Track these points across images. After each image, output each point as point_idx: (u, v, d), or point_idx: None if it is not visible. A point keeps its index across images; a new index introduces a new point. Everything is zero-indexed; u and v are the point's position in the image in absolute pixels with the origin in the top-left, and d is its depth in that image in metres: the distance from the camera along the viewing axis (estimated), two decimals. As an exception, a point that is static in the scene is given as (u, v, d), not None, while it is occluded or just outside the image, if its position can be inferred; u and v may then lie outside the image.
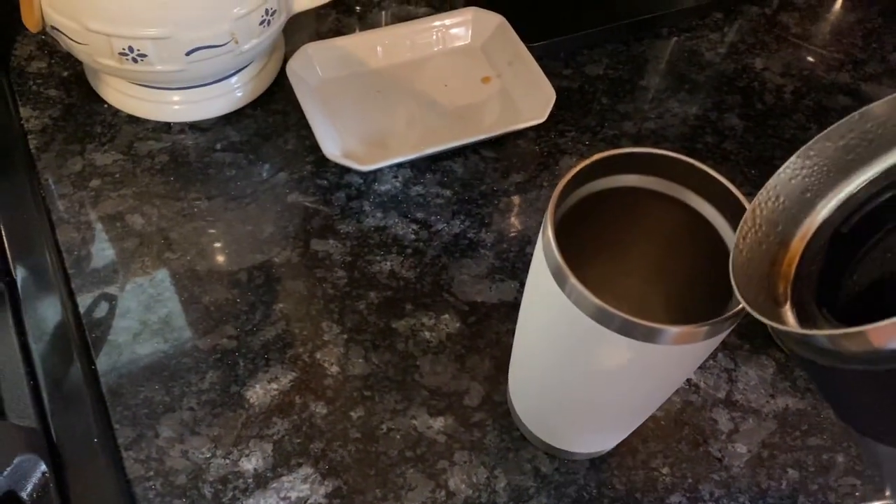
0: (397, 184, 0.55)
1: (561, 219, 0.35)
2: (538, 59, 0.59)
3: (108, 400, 0.44)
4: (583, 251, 0.36)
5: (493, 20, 0.61)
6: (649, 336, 0.31)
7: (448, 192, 0.55)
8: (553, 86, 0.58)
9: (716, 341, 0.33)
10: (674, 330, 0.31)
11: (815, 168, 0.30)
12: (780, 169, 0.30)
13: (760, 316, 0.29)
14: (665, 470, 0.45)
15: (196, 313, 0.48)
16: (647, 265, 0.38)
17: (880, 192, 0.29)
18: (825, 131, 0.29)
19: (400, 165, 0.56)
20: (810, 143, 0.30)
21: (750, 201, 0.32)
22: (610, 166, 0.34)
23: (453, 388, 0.46)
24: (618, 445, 0.45)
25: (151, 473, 0.42)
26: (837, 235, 0.31)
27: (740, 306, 0.30)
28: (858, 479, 0.45)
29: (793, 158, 0.30)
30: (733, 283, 0.30)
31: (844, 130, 0.29)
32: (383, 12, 0.67)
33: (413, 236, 0.53)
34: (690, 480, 0.44)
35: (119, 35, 0.47)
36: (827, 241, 0.30)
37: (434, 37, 0.61)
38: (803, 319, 0.29)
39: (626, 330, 0.31)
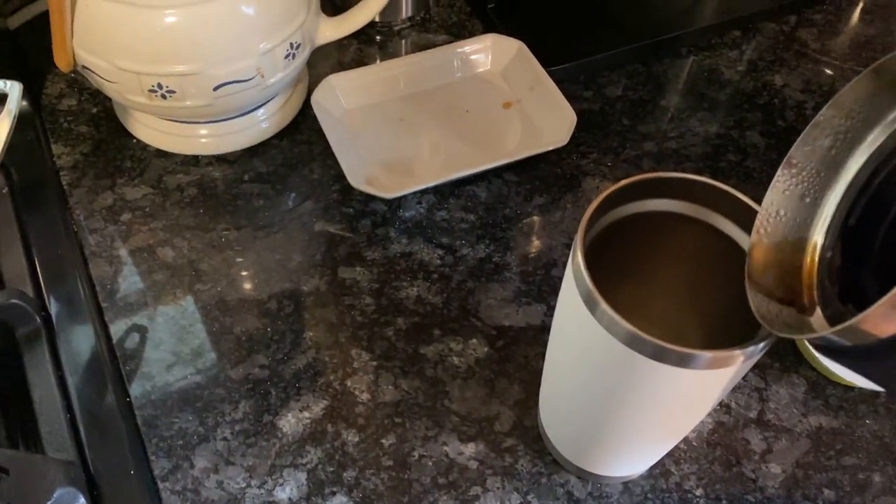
0: (422, 210, 0.56)
1: (590, 244, 0.36)
2: (558, 82, 0.60)
3: (143, 431, 0.45)
4: (613, 276, 0.36)
5: (513, 46, 0.62)
6: (683, 361, 0.31)
7: (472, 217, 0.56)
8: (574, 108, 0.58)
9: (749, 364, 0.33)
10: (708, 355, 0.31)
11: (805, 173, 0.31)
12: (771, 185, 0.31)
13: (779, 332, 0.29)
14: (699, 492, 0.44)
15: (227, 343, 0.48)
16: (678, 289, 0.38)
17: (873, 176, 0.30)
18: (801, 137, 0.30)
19: (424, 191, 0.56)
20: (790, 152, 0.31)
21: None
22: (637, 191, 0.35)
23: (483, 413, 0.47)
24: (651, 468, 0.45)
25: (188, 504, 0.42)
26: (848, 229, 0.31)
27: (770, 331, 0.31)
28: (896, 499, 0.45)
29: (780, 171, 0.31)
30: (752, 306, 0.30)
31: (818, 131, 0.30)
32: (403, 41, 0.68)
33: (439, 261, 0.53)
34: (725, 502, 0.44)
35: (148, 73, 0.48)
36: (839, 238, 0.31)
37: (454, 64, 0.62)
38: (834, 322, 0.29)
39: (660, 355, 0.31)
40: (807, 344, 0.49)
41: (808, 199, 0.32)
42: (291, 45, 0.52)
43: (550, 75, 0.60)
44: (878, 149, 0.30)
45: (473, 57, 0.62)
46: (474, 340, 0.49)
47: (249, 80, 0.51)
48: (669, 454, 0.45)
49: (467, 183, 0.57)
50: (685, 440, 0.46)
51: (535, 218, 0.56)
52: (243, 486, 0.43)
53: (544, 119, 0.59)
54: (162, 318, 0.49)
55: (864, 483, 0.45)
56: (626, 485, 0.44)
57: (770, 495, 0.45)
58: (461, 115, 0.60)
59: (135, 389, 0.46)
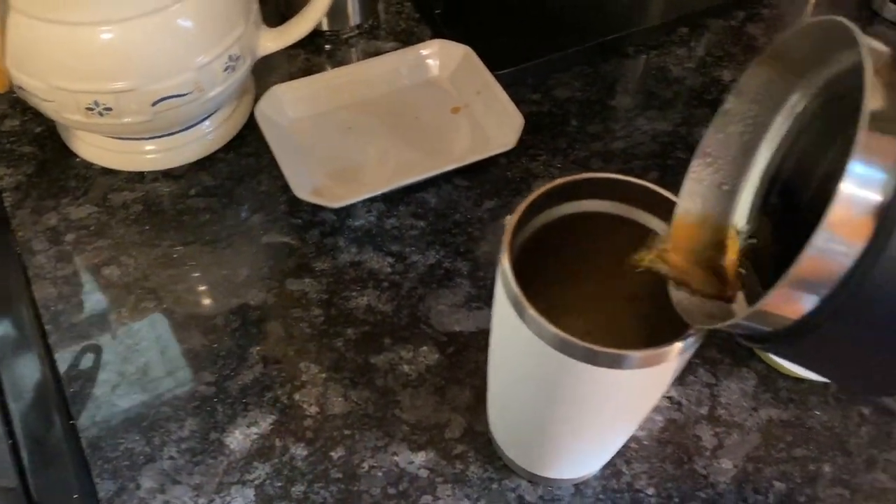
0: (371, 218, 0.55)
1: (522, 247, 0.36)
2: (507, 86, 0.60)
3: (88, 454, 0.44)
4: (545, 279, 0.36)
5: (459, 51, 0.62)
6: (614, 362, 0.31)
7: (422, 223, 0.55)
8: (523, 111, 0.58)
9: (684, 359, 0.33)
10: (638, 355, 0.31)
11: (720, 161, 0.31)
12: (686, 176, 0.31)
13: (700, 324, 0.29)
14: (650, 491, 0.44)
15: (174, 361, 0.48)
16: (613, 288, 0.38)
17: (784, 161, 0.30)
18: (711, 126, 0.30)
19: (373, 199, 0.56)
20: (702, 141, 0.31)
21: None
22: (565, 194, 0.35)
23: (434, 420, 0.46)
24: (602, 468, 0.45)
25: (133, 526, 0.42)
26: (766, 215, 0.32)
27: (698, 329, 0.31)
28: (846, 489, 0.45)
29: (694, 162, 0.31)
30: (673, 300, 0.30)
31: (727, 119, 0.30)
32: (352, 49, 0.68)
33: (389, 269, 0.53)
34: (677, 500, 0.44)
35: (83, 91, 0.48)
36: (757, 224, 0.31)
37: (402, 71, 0.62)
38: None
39: (590, 358, 0.31)
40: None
41: (725, 188, 0.32)
42: (230, 57, 0.51)
43: (499, 79, 0.60)
44: (787, 133, 0.30)
45: (420, 63, 0.62)
46: (425, 348, 0.49)
47: (188, 94, 0.50)
48: (620, 454, 0.45)
49: (417, 190, 0.57)
50: (636, 439, 0.46)
51: (486, 222, 0.56)
52: (190, 505, 0.43)
53: (492, 123, 0.59)
54: (107, 339, 0.49)
55: (814, 474, 0.45)
56: (578, 486, 0.44)
57: (721, 491, 0.45)
58: (409, 121, 0.60)
59: (79, 412, 0.46)
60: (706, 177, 0.33)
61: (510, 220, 0.33)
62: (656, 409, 0.47)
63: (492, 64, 0.62)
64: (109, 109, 0.49)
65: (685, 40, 0.69)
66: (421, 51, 0.62)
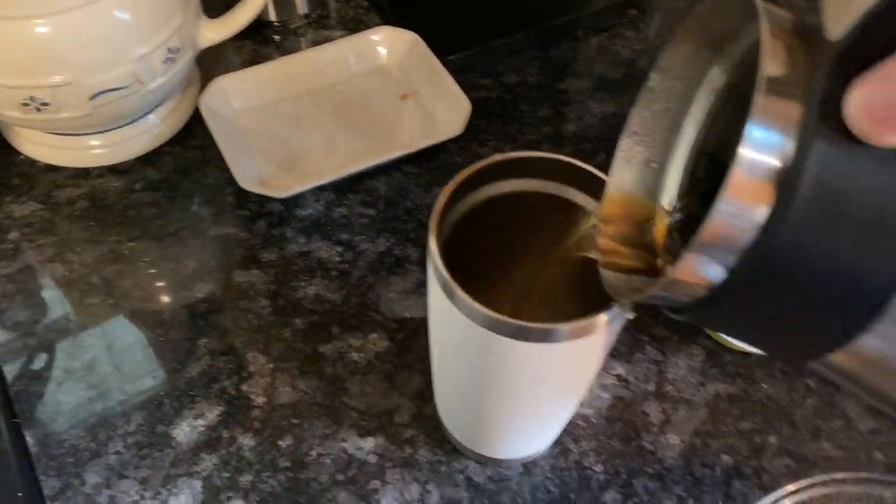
0: (319, 207, 0.55)
1: (454, 228, 0.36)
2: (457, 72, 0.60)
3: (32, 452, 0.44)
4: (480, 259, 0.36)
5: (407, 38, 0.62)
6: (544, 337, 0.31)
7: (372, 212, 0.55)
8: (472, 97, 0.58)
9: (613, 331, 0.33)
10: (566, 328, 0.31)
11: (647, 139, 0.31)
12: (615, 156, 0.31)
13: (624, 298, 0.30)
14: (598, 468, 0.45)
15: (120, 356, 0.48)
16: (547, 267, 0.38)
17: (708, 136, 0.30)
18: (636, 104, 0.30)
19: (322, 189, 0.56)
20: (629, 119, 0.31)
21: None
22: (494, 173, 0.35)
23: (383, 406, 0.46)
24: (550, 447, 0.45)
25: (79, 522, 0.42)
26: (692, 189, 0.32)
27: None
28: (792, 459, 0.45)
29: (621, 141, 0.31)
30: (602, 276, 0.30)
31: (651, 96, 0.30)
32: (301, 39, 0.67)
33: (338, 258, 0.53)
34: (624, 476, 0.44)
35: (18, 86, 0.47)
36: (685, 198, 0.31)
37: (349, 59, 0.62)
38: None
39: (521, 334, 0.31)
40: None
41: (654, 165, 0.32)
42: (169, 49, 0.51)
43: (448, 65, 0.60)
44: (710, 107, 0.31)
45: (369, 51, 0.62)
46: (374, 335, 0.49)
47: (127, 87, 0.50)
48: (568, 432, 0.46)
49: (366, 178, 0.57)
50: (583, 417, 0.46)
51: (436, 208, 0.56)
52: (136, 498, 0.42)
53: (441, 109, 0.59)
54: (52, 336, 0.48)
55: (760, 446, 0.46)
56: (526, 466, 0.45)
57: (669, 466, 0.45)
58: (358, 109, 0.60)
59: (24, 410, 0.45)
60: (634, 155, 0.33)
61: (436, 204, 0.33)
62: (603, 387, 0.47)
63: (441, 50, 0.61)
64: (47, 105, 0.48)
65: (634, 22, 0.69)
66: (369, 38, 0.62)
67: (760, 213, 0.22)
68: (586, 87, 0.64)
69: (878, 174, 0.21)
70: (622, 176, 0.33)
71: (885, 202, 0.21)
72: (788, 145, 0.21)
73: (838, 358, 0.24)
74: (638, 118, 0.31)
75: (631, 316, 0.32)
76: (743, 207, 0.22)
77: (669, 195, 0.33)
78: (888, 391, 0.25)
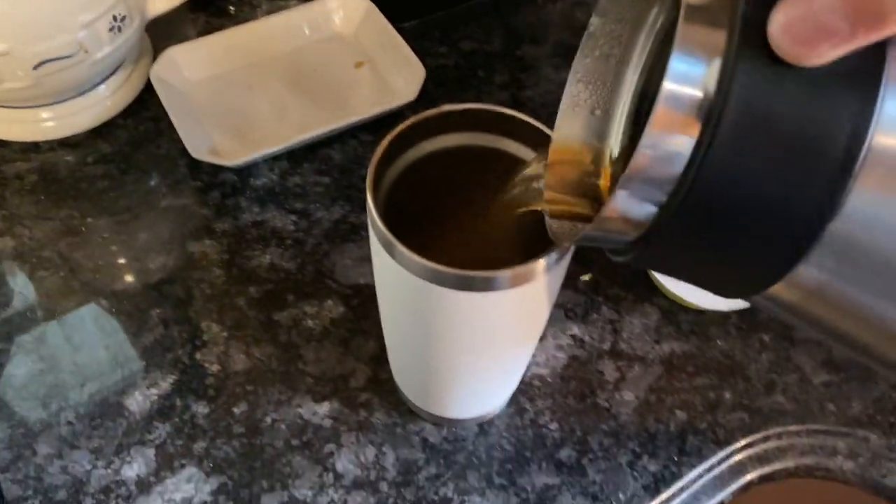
0: (273, 177, 0.55)
1: (395, 184, 0.35)
2: (413, 39, 0.59)
3: (-18, 425, 0.43)
4: (422, 214, 0.36)
5: (362, 5, 0.61)
6: (486, 285, 0.31)
7: (327, 180, 0.55)
8: (429, 64, 0.58)
9: (555, 277, 0.33)
10: (506, 274, 0.31)
11: (591, 86, 0.31)
12: (561, 104, 0.31)
13: (566, 243, 0.29)
14: (553, 426, 0.45)
15: (71, 328, 0.47)
16: (490, 220, 0.38)
17: (648, 81, 0.30)
18: (579, 51, 0.30)
19: (276, 158, 0.55)
20: (573, 67, 0.30)
21: None
22: (432, 128, 0.35)
23: (338, 372, 0.46)
24: (505, 407, 0.45)
25: (30, 493, 0.41)
26: (638, 132, 0.32)
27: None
28: (746, 413, 0.46)
29: (566, 89, 0.31)
30: (547, 225, 0.30)
31: (593, 42, 0.30)
32: (257, 10, 0.66)
33: (292, 227, 0.52)
34: (579, 433, 0.45)
35: (-43, 56, 0.47)
36: (630, 141, 0.31)
37: (304, 27, 0.61)
38: None
39: (463, 284, 0.31)
40: (655, 274, 0.49)
41: (598, 112, 0.32)
42: (115, 17, 0.50)
43: (404, 33, 0.60)
44: (650, 50, 0.30)
45: (323, 18, 0.62)
46: (329, 302, 0.49)
47: (72, 56, 0.49)
48: (523, 392, 0.46)
49: (321, 146, 0.57)
50: (539, 377, 0.46)
51: (392, 175, 0.55)
52: (89, 468, 0.42)
53: (396, 77, 0.59)
54: (2, 310, 0.48)
55: (715, 401, 0.46)
56: (482, 426, 0.45)
57: (623, 422, 0.45)
58: (312, 77, 0.59)
59: (-26, 384, 0.45)
60: (579, 102, 0.32)
61: (373, 158, 0.33)
62: (559, 347, 0.48)
63: (396, 17, 0.61)
64: (-12, 75, 0.48)
65: (592, -12, 0.69)
66: (323, 5, 0.61)
67: (686, 146, 0.22)
68: (545, 54, 0.64)
69: (805, 97, 0.21)
70: (569, 124, 0.33)
71: (815, 126, 0.20)
72: (713, 74, 0.21)
73: (781, 291, 0.23)
74: (580, 66, 0.31)
75: (569, 256, 0.32)
76: (667, 142, 0.22)
77: (615, 141, 0.33)
78: (834, 322, 0.25)
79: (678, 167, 0.22)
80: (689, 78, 0.21)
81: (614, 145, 0.33)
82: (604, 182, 0.32)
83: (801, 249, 0.22)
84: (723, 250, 0.23)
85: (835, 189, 0.21)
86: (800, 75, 0.21)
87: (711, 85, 0.21)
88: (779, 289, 0.23)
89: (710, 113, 0.21)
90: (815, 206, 0.21)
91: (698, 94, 0.21)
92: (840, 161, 0.21)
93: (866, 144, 0.20)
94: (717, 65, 0.21)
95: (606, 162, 0.33)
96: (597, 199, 0.33)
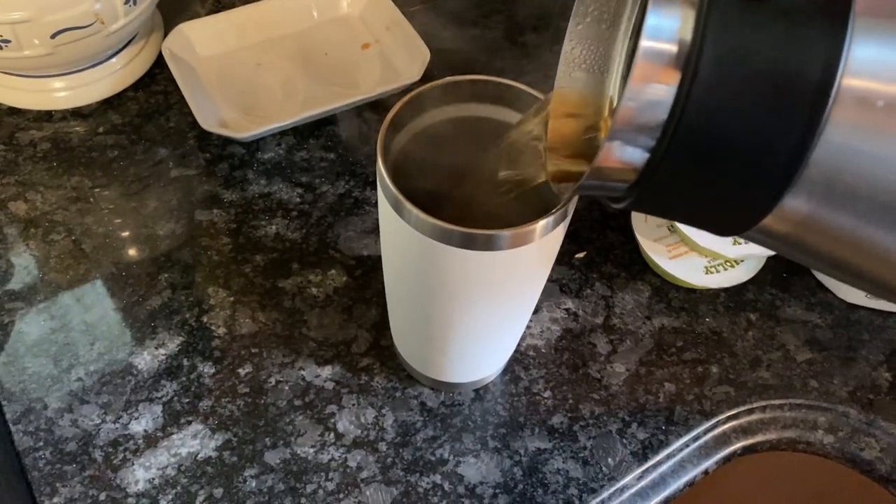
0: (281, 151, 0.56)
1: (401, 154, 0.37)
2: (419, 22, 0.61)
3: (-5, 379, 0.45)
4: (427, 183, 0.37)
5: (369, -12, 0.63)
6: (488, 244, 0.33)
7: (332, 156, 0.57)
8: (434, 47, 0.59)
9: (554, 239, 0.35)
10: (507, 233, 0.32)
11: (584, 51, 0.32)
12: (558, 70, 0.32)
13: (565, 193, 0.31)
14: (547, 394, 0.47)
15: (81, 290, 0.49)
16: (491, 187, 0.40)
17: (639, 35, 0.32)
18: (571, 16, 0.31)
19: (283, 133, 0.57)
20: (568, 29, 0.32)
21: None
22: (437, 98, 0.36)
23: (341, 337, 0.48)
24: (500, 375, 0.47)
25: (41, 444, 0.43)
26: None
27: (562, 203, 0.33)
28: (732, 387, 0.48)
29: (563, 51, 0.32)
30: (551, 183, 0.32)
31: (584, 8, 0.31)
32: (266, -9, 0.68)
33: (298, 199, 0.54)
34: (571, 401, 0.46)
35: (-22, 22, 0.48)
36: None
37: (312, 8, 0.63)
38: None
39: (467, 242, 0.33)
40: (647, 252, 0.51)
41: (595, 70, 0.34)
42: (131, -10, 0.51)
43: (410, 16, 0.61)
44: (640, 8, 0.31)
45: (330, 0, 0.63)
46: (333, 271, 0.51)
47: (88, 26, 0.50)
48: (518, 361, 0.47)
49: (327, 123, 0.58)
50: (533, 347, 0.48)
51: (395, 153, 0.57)
52: (98, 422, 0.43)
53: (402, 58, 0.60)
54: (15, 270, 0.49)
55: (702, 375, 0.48)
56: (478, 391, 0.46)
57: (614, 392, 0.47)
58: (319, 57, 0.61)
59: (-13, 340, 0.46)
60: (577, 63, 0.34)
61: (383, 124, 0.34)
62: (553, 320, 0.49)
63: (403, 0, 0.63)
64: (8, 42, 0.49)
65: (593, -21, 0.71)
66: (331, -11, 0.63)
67: (668, 94, 0.23)
68: (546, 41, 0.66)
69: (777, 31, 0.22)
70: (568, 81, 0.34)
71: (788, 58, 0.22)
72: (687, 24, 0.23)
73: (773, 223, 0.25)
74: (574, 32, 0.33)
75: (566, 221, 0.33)
76: (649, 93, 0.23)
77: (614, 95, 0.34)
78: (828, 250, 0.26)
79: (662, 114, 0.23)
80: (665, 30, 0.23)
81: (614, 98, 0.34)
82: (603, 134, 0.34)
83: (786, 180, 0.23)
84: (712, 187, 0.25)
85: (813, 119, 0.22)
86: (770, 10, 0.22)
87: (687, 33, 0.23)
88: (771, 221, 0.24)
89: (688, 60, 0.23)
90: (795, 137, 0.22)
91: (674, 45, 0.23)
92: (815, 91, 0.22)
93: (839, 72, 0.22)
94: (691, 14, 0.22)
95: (606, 114, 0.34)
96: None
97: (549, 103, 0.34)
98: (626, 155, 0.24)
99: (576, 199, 0.34)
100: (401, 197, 0.33)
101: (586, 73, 0.34)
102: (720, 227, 0.27)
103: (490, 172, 0.37)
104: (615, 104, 0.33)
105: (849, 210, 0.24)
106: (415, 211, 0.33)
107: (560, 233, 0.35)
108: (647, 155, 0.24)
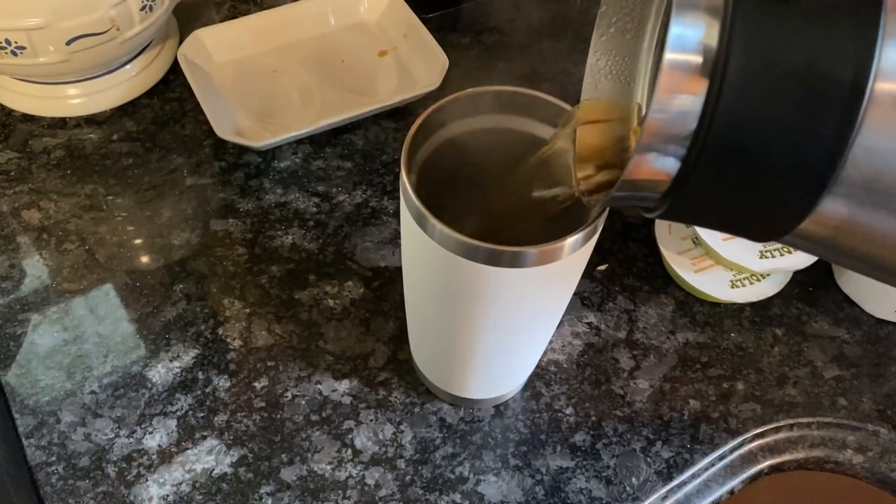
0: (297, 160, 0.55)
1: (424, 166, 0.36)
2: (436, 30, 0.60)
3: (7, 391, 0.44)
4: (451, 195, 0.36)
5: (386, -5, 0.62)
6: (514, 261, 0.32)
7: (349, 164, 0.56)
8: (451, 55, 0.59)
9: (580, 257, 0.34)
10: (534, 251, 0.31)
11: (610, 61, 0.31)
12: (584, 82, 0.31)
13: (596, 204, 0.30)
14: (569, 410, 0.45)
15: (95, 300, 0.48)
16: (516, 200, 0.39)
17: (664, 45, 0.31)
18: (595, 30, 0.31)
19: (300, 142, 0.56)
20: (591, 48, 0.31)
21: None
22: (461, 110, 0.35)
23: (358, 351, 0.47)
24: (521, 391, 0.46)
25: (53, 458, 0.42)
26: None
27: (591, 220, 0.32)
28: (758, 404, 0.47)
29: (589, 63, 0.32)
30: (578, 192, 0.31)
31: (606, 21, 0.31)
32: (281, -3, 0.67)
33: (315, 209, 0.53)
34: (594, 418, 0.45)
35: (-6, 28, 0.47)
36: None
37: (329, 14, 0.62)
38: None
39: (492, 259, 0.32)
40: (671, 265, 0.50)
41: (623, 80, 0.33)
42: (147, -4, 0.51)
43: (428, 23, 0.61)
44: (664, 19, 0.31)
45: (347, 7, 0.62)
46: (350, 283, 0.50)
47: (104, 32, 0.50)
48: (539, 376, 0.46)
49: (344, 132, 0.57)
50: (555, 363, 0.47)
51: (413, 162, 0.56)
52: (111, 436, 0.43)
53: (419, 65, 0.59)
54: (28, 280, 0.48)
55: (728, 392, 0.47)
56: (498, 408, 0.45)
57: (637, 409, 0.46)
58: (336, 64, 0.60)
59: (-1, 351, 0.46)
60: (604, 75, 0.33)
61: (407, 136, 0.33)
62: (575, 335, 0.48)
63: (421, 8, 0.62)
64: (23, 48, 0.48)
65: (613, -14, 0.70)
66: (348, -5, 0.62)
67: (696, 103, 0.22)
68: (564, 48, 0.65)
69: (805, 31, 0.21)
70: (597, 91, 0.33)
71: (819, 60, 0.21)
72: (712, 31, 0.22)
73: (811, 227, 0.24)
74: (599, 45, 0.32)
75: (594, 239, 0.32)
76: (677, 103, 0.22)
77: (642, 103, 0.33)
78: (869, 252, 0.25)
79: (691, 123, 0.23)
80: (690, 40, 0.22)
81: (643, 105, 0.33)
82: (633, 143, 0.33)
83: (822, 184, 0.22)
84: (746, 193, 0.24)
85: (847, 121, 0.21)
86: (796, 11, 0.21)
87: (712, 41, 0.22)
88: (809, 225, 0.24)
89: (715, 67, 0.22)
90: (829, 140, 0.22)
91: (699, 54, 0.22)
92: (848, 92, 0.21)
93: (872, 72, 0.21)
94: (715, 22, 0.22)
95: (635, 122, 0.33)
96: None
97: (575, 115, 0.34)
98: (658, 165, 0.24)
99: (605, 214, 0.33)
100: (425, 211, 0.32)
101: (613, 83, 0.33)
102: (756, 233, 0.26)
103: (517, 187, 0.36)
104: (643, 112, 0.32)
105: (891, 211, 0.23)
106: (439, 226, 0.32)
107: (588, 249, 0.34)
108: (678, 164, 0.23)
